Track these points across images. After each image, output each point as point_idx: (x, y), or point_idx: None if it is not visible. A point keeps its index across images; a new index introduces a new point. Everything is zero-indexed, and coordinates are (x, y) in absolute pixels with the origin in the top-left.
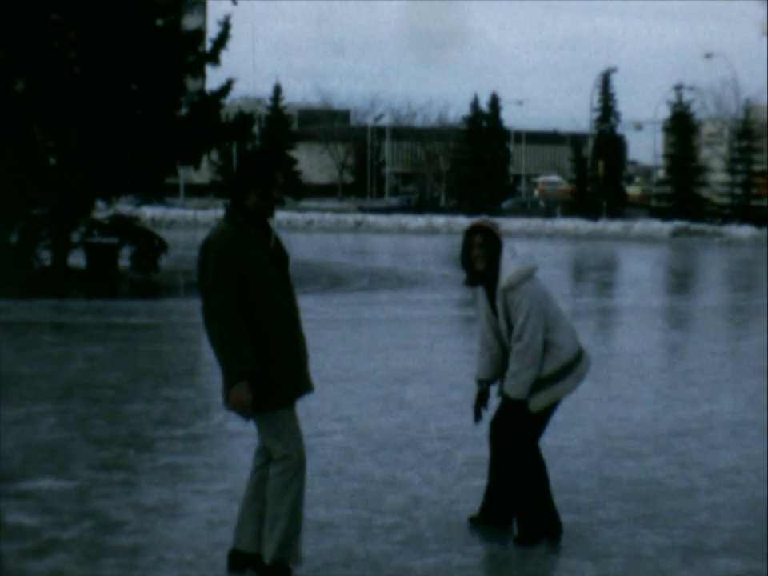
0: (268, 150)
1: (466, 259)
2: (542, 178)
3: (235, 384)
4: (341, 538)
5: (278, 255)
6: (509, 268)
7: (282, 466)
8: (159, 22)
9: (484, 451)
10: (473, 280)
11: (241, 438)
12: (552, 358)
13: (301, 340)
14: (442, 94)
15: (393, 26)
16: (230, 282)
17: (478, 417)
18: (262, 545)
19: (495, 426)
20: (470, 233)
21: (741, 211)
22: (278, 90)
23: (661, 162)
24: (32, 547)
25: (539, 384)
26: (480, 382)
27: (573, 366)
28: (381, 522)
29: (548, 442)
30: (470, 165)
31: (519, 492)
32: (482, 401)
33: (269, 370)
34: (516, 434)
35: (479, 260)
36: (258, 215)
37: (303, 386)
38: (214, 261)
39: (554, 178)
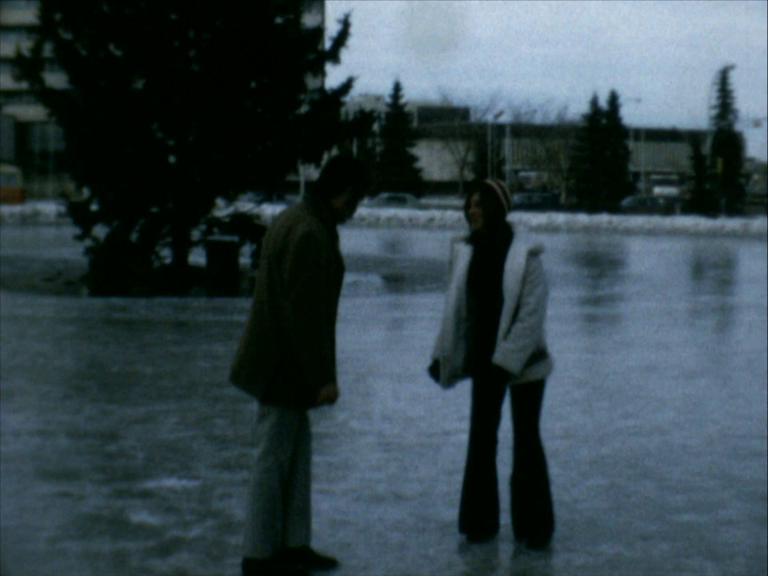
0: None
1: (466, 216)
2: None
3: (327, 383)
4: (463, 538)
5: (340, 260)
6: (529, 239)
7: (267, 465)
8: (278, 20)
9: (606, 450)
10: (471, 239)
11: (364, 436)
12: (543, 334)
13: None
14: (561, 91)
15: (510, 23)
16: (323, 280)
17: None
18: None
19: (489, 425)
20: (470, 190)
21: None
22: (397, 88)
23: None
24: (155, 546)
25: (539, 355)
26: (437, 363)
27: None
28: (504, 521)
29: (669, 440)
30: (590, 162)
31: (542, 486)
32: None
33: None
34: (536, 418)
35: (474, 219)
36: (339, 217)
37: None
38: (311, 260)
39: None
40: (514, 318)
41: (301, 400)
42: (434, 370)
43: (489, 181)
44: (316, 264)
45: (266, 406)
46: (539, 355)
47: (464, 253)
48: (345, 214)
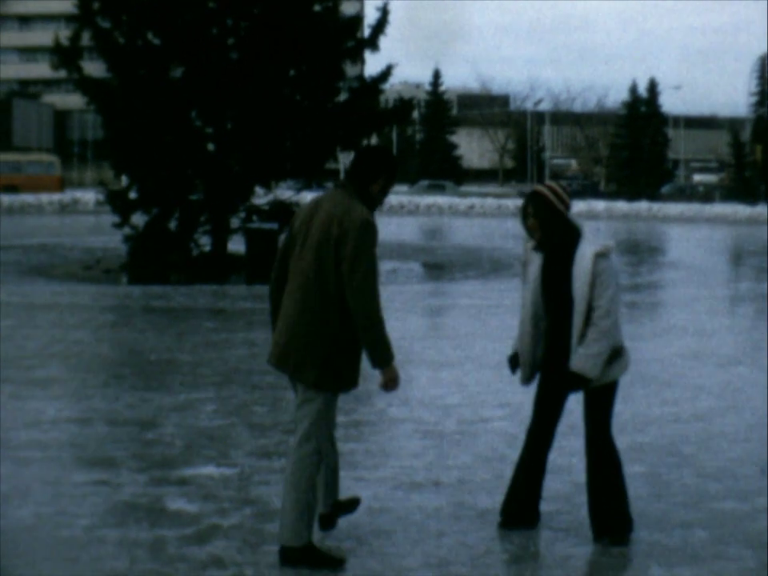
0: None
1: (526, 229)
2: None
3: (391, 364)
4: None
5: None
6: (598, 238)
7: (308, 450)
8: (317, 7)
9: (644, 437)
10: (536, 247)
11: (403, 424)
12: (618, 332)
13: None
14: (600, 79)
15: (549, 11)
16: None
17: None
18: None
19: (551, 421)
20: (525, 201)
21: None
22: (437, 75)
23: None
24: (193, 533)
25: (615, 354)
26: (515, 357)
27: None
28: (542, 509)
29: (708, 428)
30: (629, 150)
31: (619, 486)
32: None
33: (357, 352)
34: (607, 418)
35: (535, 232)
36: (375, 204)
37: None
38: (372, 245)
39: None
40: (587, 321)
41: (348, 384)
42: (514, 361)
43: (539, 187)
44: (374, 248)
45: (312, 392)
46: (615, 354)
47: (535, 256)
48: (379, 200)
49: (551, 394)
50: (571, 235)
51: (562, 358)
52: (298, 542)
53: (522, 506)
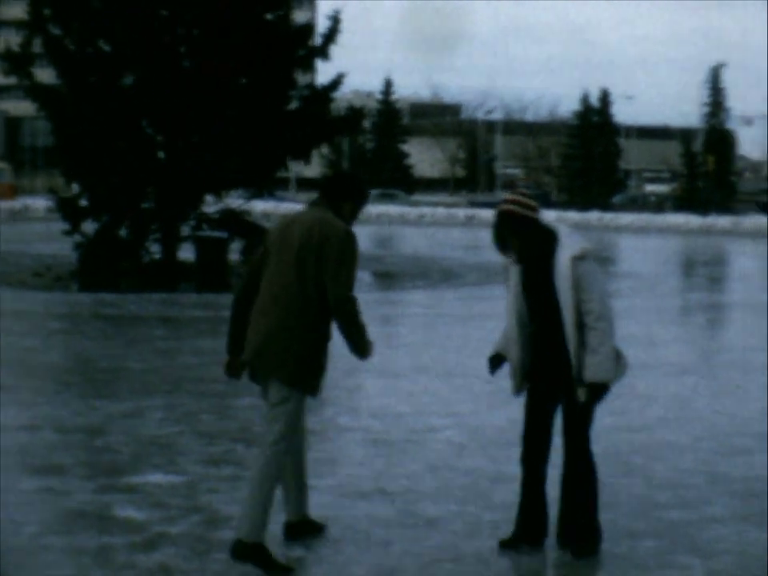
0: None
1: (502, 250)
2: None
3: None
4: (449, 534)
5: None
6: (574, 242)
7: (281, 449)
8: (269, 16)
9: (594, 447)
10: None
11: (351, 432)
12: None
13: None
14: (553, 89)
15: (501, 21)
16: None
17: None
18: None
19: (538, 432)
20: (495, 225)
21: None
22: (388, 84)
23: None
24: (140, 541)
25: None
26: (497, 355)
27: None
28: (490, 518)
29: (656, 437)
30: (581, 160)
31: (589, 496)
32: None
33: (326, 355)
34: (588, 429)
35: (516, 251)
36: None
37: None
38: (355, 258)
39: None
40: (580, 328)
41: (317, 386)
42: (493, 361)
43: (504, 207)
44: (356, 257)
45: (287, 390)
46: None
47: (515, 269)
48: (349, 224)
49: (541, 403)
50: (548, 241)
51: (549, 366)
52: (253, 537)
53: (530, 520)
